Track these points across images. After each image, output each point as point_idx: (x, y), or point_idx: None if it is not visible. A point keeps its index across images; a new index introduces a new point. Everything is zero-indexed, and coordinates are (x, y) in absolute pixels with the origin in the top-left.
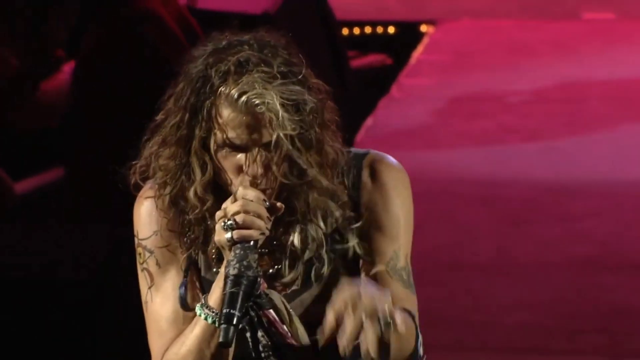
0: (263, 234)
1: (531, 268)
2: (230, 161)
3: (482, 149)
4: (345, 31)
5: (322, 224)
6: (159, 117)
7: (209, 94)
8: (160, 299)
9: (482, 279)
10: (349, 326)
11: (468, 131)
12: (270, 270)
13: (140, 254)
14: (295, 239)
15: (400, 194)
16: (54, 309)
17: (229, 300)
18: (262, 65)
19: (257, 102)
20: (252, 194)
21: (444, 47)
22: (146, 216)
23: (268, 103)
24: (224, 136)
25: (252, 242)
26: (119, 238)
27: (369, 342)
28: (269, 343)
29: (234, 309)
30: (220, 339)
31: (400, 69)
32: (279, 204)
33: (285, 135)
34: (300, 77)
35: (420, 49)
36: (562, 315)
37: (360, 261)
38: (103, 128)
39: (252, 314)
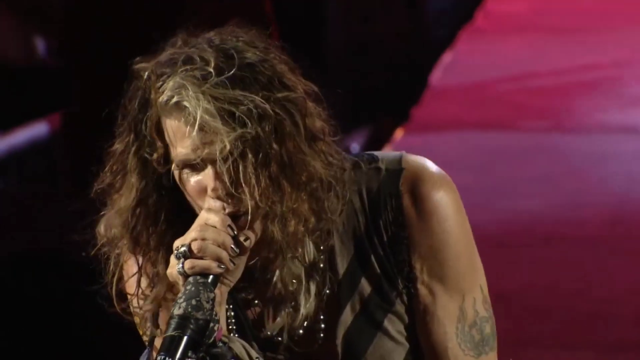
0: (225, 267)
1: None
2: (191, 183)
3: (595, 93)
4: None
5: (302, 259)
6: (116, 146)
7: (146, 104)
8: None
9: (591, 258)
10: None
11: (576, 71)
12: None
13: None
14: (276, 277)
15: (456, 222)
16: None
17: (167, 345)
18: (194, 62)
19: (185, 105)
20: (214, 218)
21: None
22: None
23: (194, 111)
24: (176, 154)
25: (209, 278)
26: None
27: None
28: None
29: (172, 357)
30: None
31: None
32: (244, 237)
33: (225, 149)
34: (258, 70)
35: None
36: None
37: (402, 328)
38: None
39: None
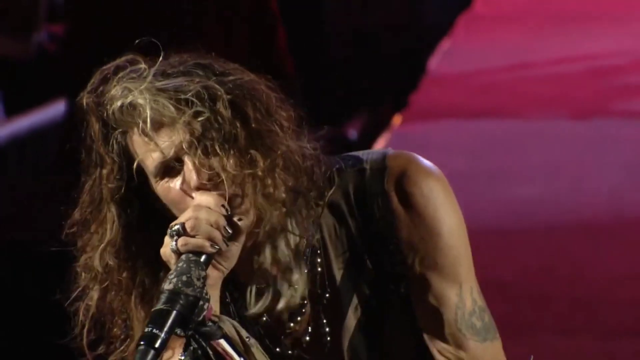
0: (217, 247)
1: None
2: (176, 188)
3: (596, 80)
4: None
5: (291, 238)
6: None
7: (106, 126)
8: None
9: (590, 244)
10: None
11: (576, 58)
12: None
13: None
14: (266, 257)
15: (447, 211)
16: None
17: (155, 317)
18: (125, 67)
19: (138, 102)
20: (208, 199)
21: None
22: None
23: (145, 105)
24: (149, 166)
25: (202, 257)
26: None
27: None
28: None
29: (160, 329)
30: None
31: None
32: (238, 217)
33: (186, 136)
34: (205, 65)
35: None
36: None
37: (406, 325)
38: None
39: (195, 345)
